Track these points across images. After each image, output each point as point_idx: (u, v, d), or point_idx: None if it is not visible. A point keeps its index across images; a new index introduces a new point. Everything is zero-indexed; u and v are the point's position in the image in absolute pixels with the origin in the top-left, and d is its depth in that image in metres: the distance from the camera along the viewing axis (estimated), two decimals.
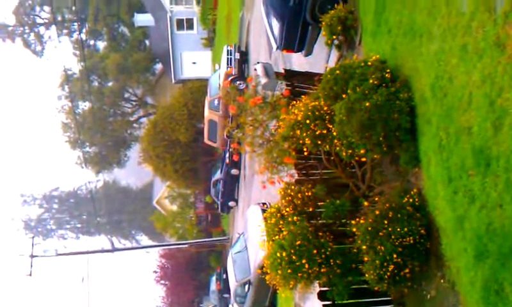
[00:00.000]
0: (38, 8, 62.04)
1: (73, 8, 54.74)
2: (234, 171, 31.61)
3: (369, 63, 9.51)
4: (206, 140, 32.90)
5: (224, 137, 29.15)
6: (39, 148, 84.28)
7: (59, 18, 58.46)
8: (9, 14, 61.41)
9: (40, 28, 61.82)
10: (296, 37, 13.15)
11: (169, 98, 44.97)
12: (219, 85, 29.28)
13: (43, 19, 62.15)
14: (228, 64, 28.64)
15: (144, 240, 67.03)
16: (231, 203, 33.37)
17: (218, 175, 32.91)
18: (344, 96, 9.23)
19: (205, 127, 32.25)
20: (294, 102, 10.68)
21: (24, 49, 61.62)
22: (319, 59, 14.34)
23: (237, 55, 28.74)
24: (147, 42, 54.48)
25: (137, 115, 56.72)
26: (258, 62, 13.49)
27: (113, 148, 52.65)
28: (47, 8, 61.04)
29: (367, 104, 8.78)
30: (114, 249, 33.40)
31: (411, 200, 8.73)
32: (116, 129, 51.80)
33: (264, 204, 16.22)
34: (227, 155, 30.88)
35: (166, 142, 37.22)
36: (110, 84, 53.38)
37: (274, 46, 13.78)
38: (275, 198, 11.85)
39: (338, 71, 9.58)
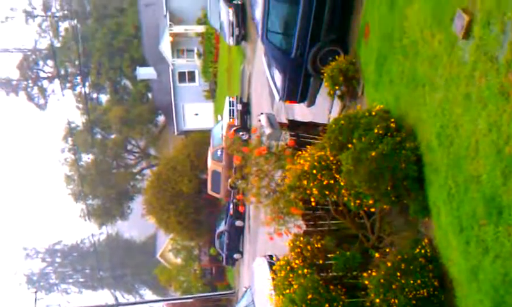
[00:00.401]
0: (41, 63, 63.12)
1: (77, 62, 55.69)
2: (239, 223, 31.36)
3: (373, 113, 9.56)
4: (209, 191, 32.81)
5: (228, 188, 29.10)
6: (42, 201, 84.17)
7: (63, 72, 59.39)
8: (13, 68, 62.54)
9: (44, 82, 62.74)
10: (298, 88, 13.29)
11: (171, 150, 45.19)
12: (222, 136, 29.46)
13: (46, 73, 63.14)
14: (230, 115, 28.90)
15: (148, 294, 65.99)
16: (236, 256, 32.98)
17: (222, 227, 32.64)
18: (349, 146, 9.23)
19: (209, 178, 32.22)
20: (299, 152, 10.69)
21: (28, 103, 62.39)
22: (322, 109, 14.44)
23: (239, 107, 29.03)
24: (149, 95, 55.16)
25: (140, 167, 56.92)
26: (262, 113, 13.60)
27: (116, 200, 52.54)
28: (50, 62, 62.14)
29: (374, 154, 8.77)
30: (117, 304, 32.87)
31: (422, 251, 8.59)
32: (119, 181, 51.84)
33: (270, 256, 16.00)
34: (231, 206, 30.75)
35: (170, 194, 37.14)
36: (113, 136, 53.80)
37: (277, 97, 13.91)
38: (282, 250, 11.70)
39: (343, 121, 9.62)
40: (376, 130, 9.12)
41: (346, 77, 11.54)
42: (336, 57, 11.94)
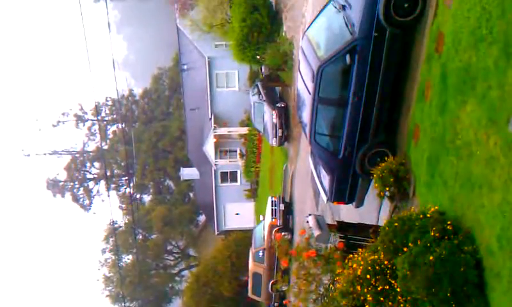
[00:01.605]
0: (88, 164, 65.41)
1: (123, 164, 57.48)
2: None
3: (428, 215, 9.30)
4: (250, 294, 32.00)
5: (270, 291, 28.36)
6: (79, 302, 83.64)
7: (109, 173, 61.24)
8: (61, 170, 64.86)
9: (90, 183, 64.65)
10: (346, 189, 13.17)
11: (212, 250, 44.91)
12: (264, 236, 29.18)
13: (93, 174, 65.20)
14: (272, 215, 28.77)
15: None
16: None
17: None
18: (404, 249, 8.93)
19: (249, 280, 31.55)
20: (349, 255, 10.40)
21: (72, 203, 63.99)
22: (370, 210, 14.20)
23: (282, 206, 28.94)
24: (191, 194, 55.92)
25: (179, 268, 56.55)
26: (310, 214, 13.47)
27: (154, 303, 51.85)
28: (97, 164, 64.32)
29: (431, 258, 8.44)
30: None
31: None
32: (158, 283, 51.45)
33: None
34: None
35: (209, 296, 36.49)
36: (154, 236, 54.12)
37: (325, 198, 13.80)
38: None
39: (396, 224, 9.38)
40: (432, 233, 8.84)
41: (396, 178, 11.40)
42: (385, 158, 11.89)
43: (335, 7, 12.37)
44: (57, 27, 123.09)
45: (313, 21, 13.52)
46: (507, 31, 7.83)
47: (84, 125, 64.76)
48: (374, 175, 11.71)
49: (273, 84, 31.18)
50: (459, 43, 9.25)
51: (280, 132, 29.00)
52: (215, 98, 40.46)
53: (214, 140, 40.71)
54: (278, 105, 29.32)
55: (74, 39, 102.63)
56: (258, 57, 29.64)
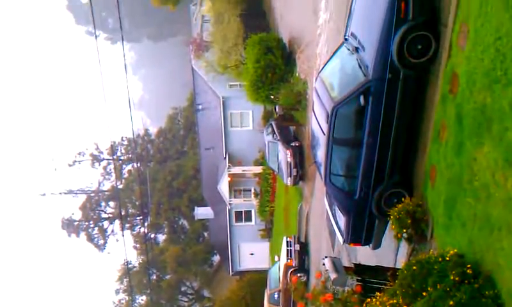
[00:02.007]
0: (103, 204, 65.68)
1: (137, 203, 57.61)
2: None
3: (447, 258, 9.13)
4: None
5: None
6: None
7: (123, 213, 61.40)
8: (76, 210, 65.19)
9: (104, 222, 64.79)
10: (362, 230, 13.01)
11: (226, 291, 44.40)
12: (279, 277, 28.81)
13: (107, 214, 65.37)
14: (288, 255, 28.48)
15: None
16: None
17: None
18: (424, 294, 8.75)
19: None
20: (367, 299, 10.20)
21: (87, 243, 64.00)
22: (387, 252, 13.98)
23: (297, 247, 28.66)
24: (205, 234, 55.68)
25: None
26: (326, 257, 13.28)
27: None
28: (112, 203, 64.57)
29: (451, 303, 8.25)
30: None
31: None
32: None
33: None
34: None
35: None
36: (168, 276, 53.71)
37: (341, 239, 13.64)
38: None
39: (415, 267, 9.22)
40: (451, 277, 8.65)
41: (414, 220, 11.24)
42: (402, 198, 11.77)
43: (348, 49, 12.48)
44: (74, 68, 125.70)
45: (326, 62, 13.64)
46: None
47: (99, 164, 65.35)
48: (391, 216, 11.57)
49: (287, 123, 31.33)
50: (473, 84, 9.24)
51: (294, 171, 28.96)
52: (229, 137, 40.70)
53: (229, 179, 40.74)
54: (293, 144, 29.38)
55: (91, 80, 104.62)
56: (272, 97, 29.89)
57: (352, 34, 12.45)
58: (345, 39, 12.87)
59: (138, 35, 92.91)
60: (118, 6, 26.58)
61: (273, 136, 31.06)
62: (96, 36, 34.55)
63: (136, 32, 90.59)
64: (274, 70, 29.54)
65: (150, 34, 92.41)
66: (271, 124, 32.16)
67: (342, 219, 13.37)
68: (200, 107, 43.26)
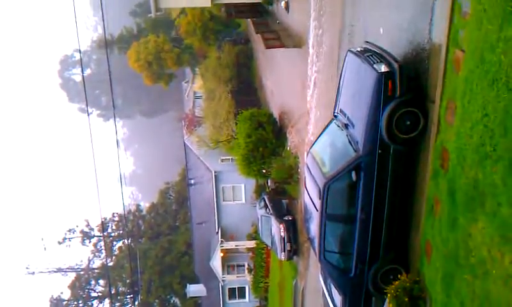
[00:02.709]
0: (93, 282, 64.14)
1: (128, 281, 56.27)
2: None
3: None
4: None
5: None
6: None
7: (113, 291, 59.89)
8: (64, 289, 63.53)
9: (94, 302, 63.03)
10: None
11: None
12: None
13: (97, 292, 63.72)
14: None
15: None
16: None
17: None
18: None
19: None
20: None
21: None
22: None
23: None
24: None
25: None
26: None
27: None
28: (101, 281, 63.06)
29: None
30: None
31: None
32: None
33: None
34: None
35: None
36: None
37: None
38: None
39: None
40: None
41: (411, 297, 10.96)
42: (398, 275, 11.52)
43: (338, 125, 12.61)
44: (66, 145, 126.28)
45: (317, 139, 13.73)
46: None
47: (90, 241, 64.32)
48: (388, 294, 11.29)
49: (280, 197, 31.22)
50: (464, 160, 9.26)
51: (288, 246, 28.52)
52: (222, 211, 40.43)
53: (221, 254, 40.08)
54: (286, 218, 29.12)
55: (83, 157, 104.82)
56: (264, 171, 29.93)
57: (341, 110, 12.61)
58: (335, 116, 13.02)
59: (131, 112, 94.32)
60: (111, 85, 27.05)
61: (266, 210, 30.85)
62: (88, 113, 34.92)
63: (129, 109, 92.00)
64: (265, 144, 29.77)
65: (143, 111, 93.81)
66: (264, 198, 32.02)
67: (337, 297, 13.03)
68: (192, 181, 43.23)
